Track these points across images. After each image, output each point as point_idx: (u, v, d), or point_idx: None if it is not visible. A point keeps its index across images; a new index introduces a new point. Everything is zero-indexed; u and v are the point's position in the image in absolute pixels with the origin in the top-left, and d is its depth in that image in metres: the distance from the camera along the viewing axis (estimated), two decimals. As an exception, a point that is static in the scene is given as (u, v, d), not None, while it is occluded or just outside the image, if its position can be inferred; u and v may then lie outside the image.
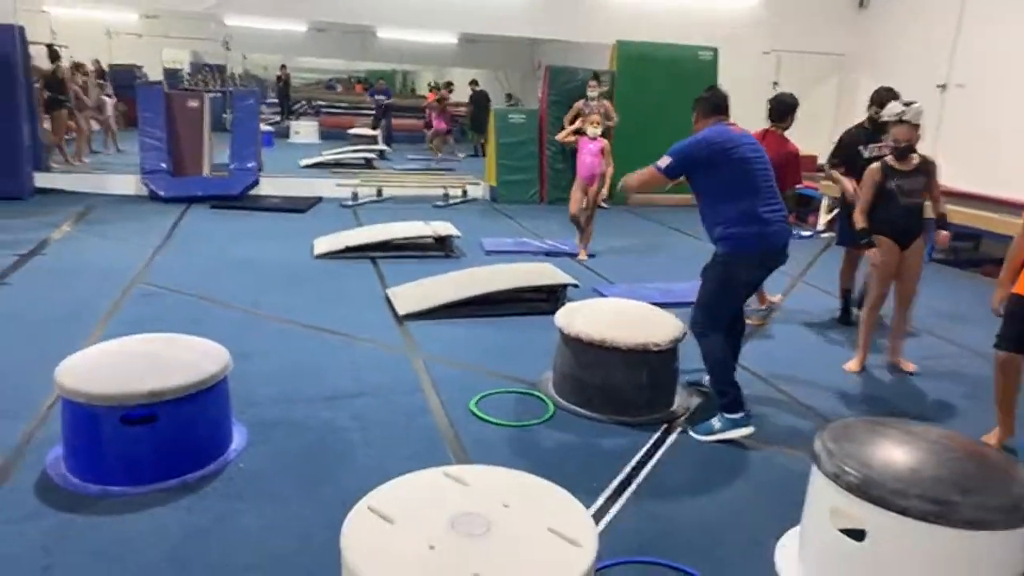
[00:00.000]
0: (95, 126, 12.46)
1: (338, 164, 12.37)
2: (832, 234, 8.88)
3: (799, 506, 2.50)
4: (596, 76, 9.62)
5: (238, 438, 3.21)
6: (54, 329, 4.42)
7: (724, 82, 9.88)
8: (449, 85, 16.72)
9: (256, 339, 4.39)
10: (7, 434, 3.15)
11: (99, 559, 2.41)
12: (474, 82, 16.87)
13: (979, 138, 8.85)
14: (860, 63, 11.31)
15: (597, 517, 2.75)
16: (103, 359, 2.97)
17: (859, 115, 11.60)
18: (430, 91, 17.30)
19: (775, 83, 11.04)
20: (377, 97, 17.31)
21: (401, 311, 4.95)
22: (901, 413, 3.86)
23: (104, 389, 2.73)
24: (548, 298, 5.18)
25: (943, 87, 9.66)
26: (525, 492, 2.06)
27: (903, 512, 2.07)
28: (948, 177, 9.38)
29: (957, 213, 8.39)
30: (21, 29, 8.49)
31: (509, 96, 17.89)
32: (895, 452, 2.23)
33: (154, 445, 2.84)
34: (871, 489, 2.14)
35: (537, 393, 3.88)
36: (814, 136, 10.52)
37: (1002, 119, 8.90)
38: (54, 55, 11.04)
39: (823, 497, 2.33)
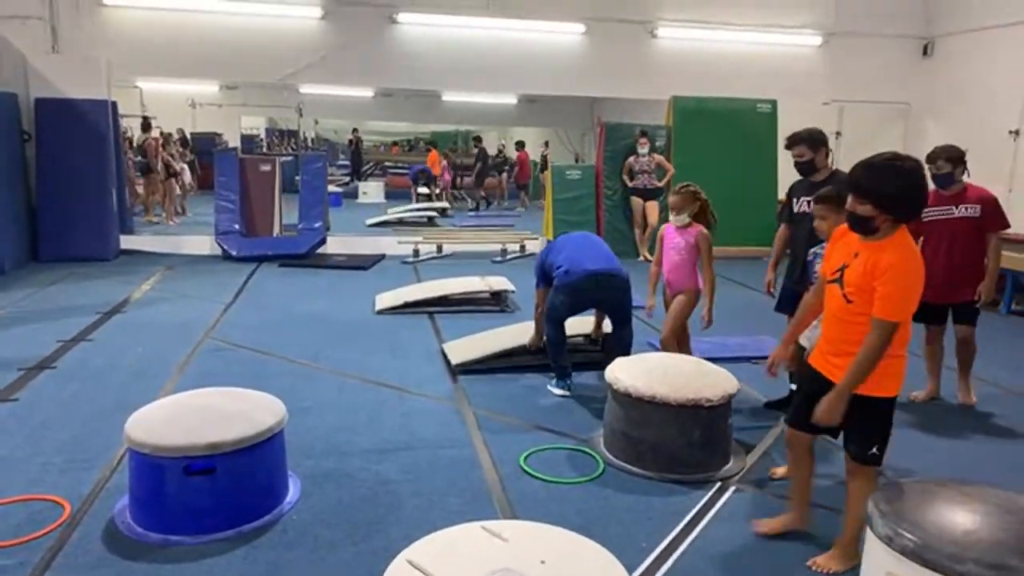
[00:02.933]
0: (177, 190, 13.28)
1: (401, 222, 12.76)
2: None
3: (855, 573, 2.41)
4: (644, 133, 9.79)
5: (293, 489, 3.30)
6: (130, 383, 4.67)
7: (784, 134, 9.86)
8: (478, 139, 18.38)
9: (314, 392, 4.54)
10: (82, 482, 3.33)
11: (156, 606, 2.51)
12: (477, 139, 17.85)
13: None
14: (926, 111, 11.09)
15: (644, 577, 2.71)
16: (169, 412, 3.13)
17: (926, 164, 11.36)
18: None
19: (838, 134, 10.93)
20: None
21: (454, 361, 5.04)
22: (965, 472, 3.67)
23: (167, 441, 2.88)
24: (602, 348, 5.19)
25: (1016, 133, 9.37)
26: (564, 549, 2.06)
27: (960, 579, 1.97)
28: (1021, 222, 9.05)
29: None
30: (114, 104, 9.21)
31: (576, 157, 18.14)
32: (951, 514, 2.13)
33: (213, 496, 2.95)
34: (926, 553, 2.04)
35: (587, 450, 3.86)
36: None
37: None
38: (146, 126, 11.91)
39: (878, 562, 2.23)
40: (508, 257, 9.84)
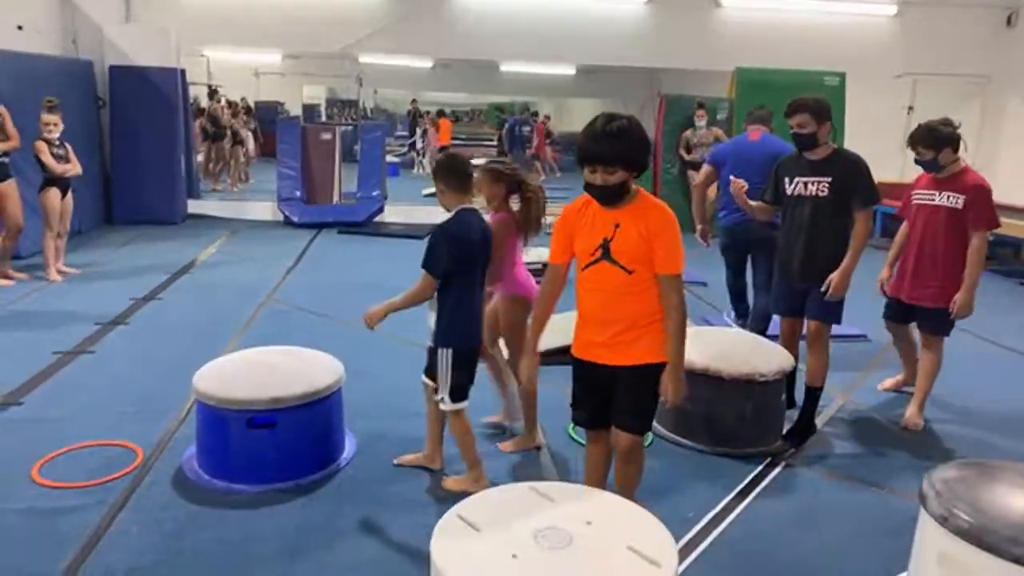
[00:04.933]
0: (242, 157, 13.66)
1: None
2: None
3: (906, 552, 2.38)
4: (702, 105, 9.57)
5: (349, 447, 3.42)
6: (197, 339, 4.87)
7: (852, 109, 9.53)
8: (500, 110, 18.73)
9: (371, 356, 4.65)
10: (152, 431, 3.52)
11: (223, 546, 2.66)
12: (500, 109, 17.81)
13: None
14: (1007, 86, 10.53)
15: (689, 548, 2.73)
16: (234, 368, 3.26)
17: (1007, 142, 10.84)
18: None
19: (910, 108, 10.49)
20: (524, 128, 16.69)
21: (507, 353, 4.79)
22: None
23: (232, 394, 3.02)
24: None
25: (1105, 109, 8.84)
26: (609, 511, 2.09)
27: (1017, 561, 1.93)
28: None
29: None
30: (183, 72, 9.48)
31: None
32: (1010, 496, 2.08)
33: (274, 448, 3.09)
34: (983, 535, 2.00)
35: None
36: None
37: None
38: (212, 93, 12.23)
39: (931, 542, 2.20)
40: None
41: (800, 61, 9.92)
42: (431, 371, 3.03)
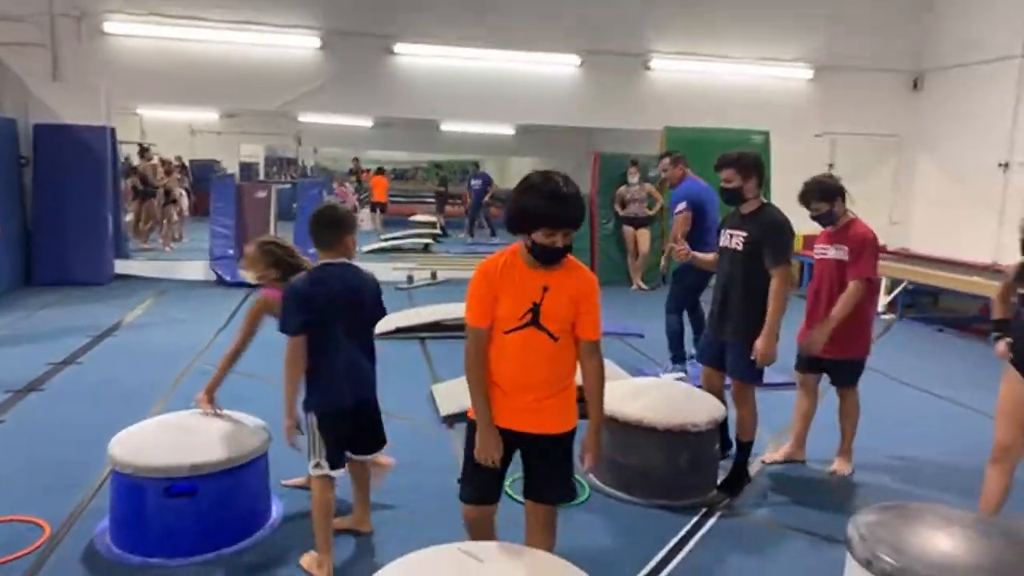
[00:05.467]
0: (175, 216, 13.35)
1: (396, 249, 12.81)
2: (893, 316, 8.65)
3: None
4: (635, 162, 9.91)
5: (276, 511, 3.28)
6: (118, 406, 4.64)
7: (777, 166, 9.97)
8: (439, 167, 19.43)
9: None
10: (64, 503, 3.31)
11: (132, 629, 2.48)
12: (438, 166, 19.68)
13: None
14: (917, 144, 11.23)
15: (626, 603, 2.68)
16: (152, 433, 3.11)
17: (920, 197, 11.47)
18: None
19: (830, 165, 11.03)
20: (473, 183, 16.52)
21: (444, 411, 4.67)
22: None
23: (149, 461, 2.87)
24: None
25: (1005, 166, 9.48)
26: (540, 571, 2.04)
27: (939, 603, 1.96)
28: (1017, 254, 9.11)
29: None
30: (113, 130, 9.30)
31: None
32: (931, 538, 2.12)
33: (194, 518, 2.93)
34: (905, 577, 2.03)
35: (579, 478, 3.83)
36: (874, 217, 10.37)
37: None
38: (144, 151, 12.01)
39: (858, 586, 2.22)
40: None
41: (727, 119, 10.39)
42: None
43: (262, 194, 10.07)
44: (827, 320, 3.74)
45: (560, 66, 10.78)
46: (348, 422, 2.86)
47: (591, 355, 2.39)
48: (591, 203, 10.35)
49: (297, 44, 10.05)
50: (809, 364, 3.99)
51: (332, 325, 2.79)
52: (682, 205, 5.40)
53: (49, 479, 3.57)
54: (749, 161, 3.64)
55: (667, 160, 5.81)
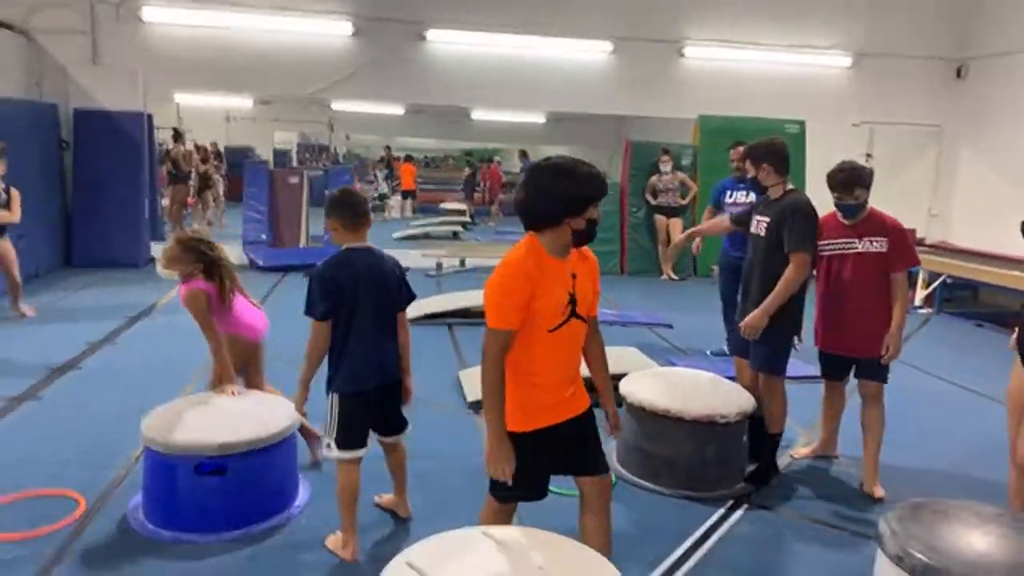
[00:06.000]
0: (211, 201, 13.58)
1: (426, 236, 12.86)
2: (930, 310, 8.46)
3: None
4: (666, 151, 9.79)
5: (303, 493, 3.32)
6: (152, 385, 4.73)
7: (812, 156, 9.77)
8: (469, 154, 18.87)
9: (331, 400, 4.57)
10: (98, 479, 3.39)
11: (162, 602, 2.53)
12: (468, 153, 19.21)
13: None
14: (959, 135, 10.91)
15: (650, 592, 2.67)
16: (184, 412, 3.16)
17: (960, 190, 11.16)
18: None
19: (868, 155, 10.79)
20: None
21: (470, 397, 4.70)
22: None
23: (180, 439, 2.92)
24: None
25: (1051, 158, 9.18)
26: (561, 556, 2.04)
27: (972, 601, 1.91)
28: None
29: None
30: (150, 116, 9.45)
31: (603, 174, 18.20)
32: (964, 536, 2.08)
33: (223, 496, 2.98)
34: (938, 574, 1.99)
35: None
36: (913, 209, 10.14)
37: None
38: (177, 136, 12.21)
39: (888, 582, 2.18)
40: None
41: (761, 109, 10.19)
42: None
43: (295, 180, 10.16)
44: (895, 324, 3.47)
45: (592, 53, 10.66)
46: (370, 405, 2.88)
47: (596, 330, 2.45)
48: (622, 191, 10.27)
49: (330, 30, 10.09)
50: (836, 366, 3.75)
51: (358, 309, 2.80)
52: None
53: (85, 455, 3.66)
54: (759, 149, 3.67)
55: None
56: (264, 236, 9.63)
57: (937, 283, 8.58)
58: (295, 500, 3.25)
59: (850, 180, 3.48)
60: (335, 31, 10.08)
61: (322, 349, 2.80)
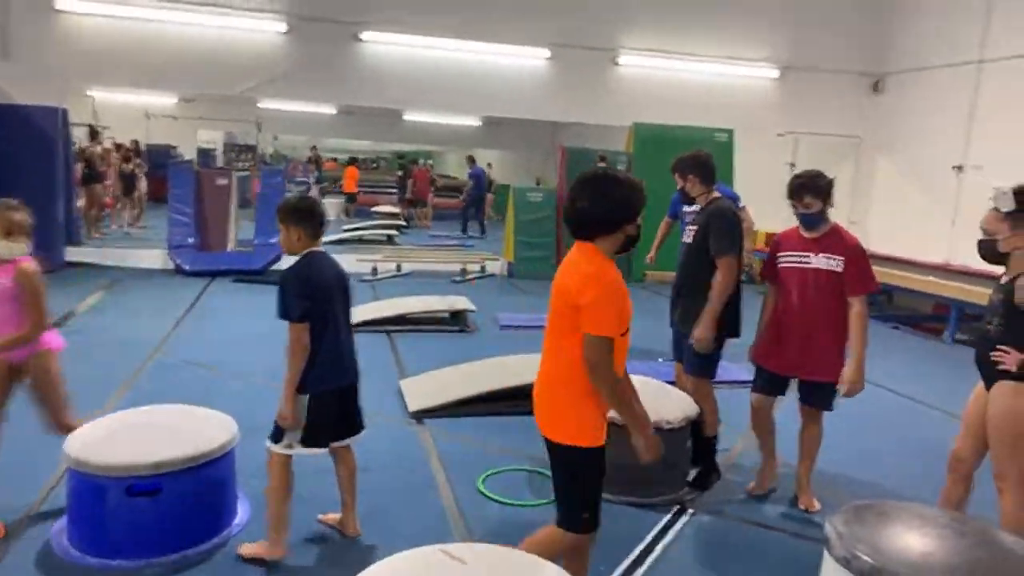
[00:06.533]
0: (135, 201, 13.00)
1: (360, 240, 12.63)
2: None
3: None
4: (603, 157, 9.94)
5: (242, 511, 3.18)
6: (73, 401, 4.45)
7: (740, 164, 10.09)
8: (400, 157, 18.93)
9: (268, 410, 4.36)
10: (16, 504, 3.16)
11: (92, 635, 2.37)
12: (401, 157, 19.07)
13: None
14: (877, 145, 11.47)
15: (603, 602, 2.67)
16: (112, 430, 2.99)
17: (877, 198, 11.72)
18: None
19: (792, 164, 11.21)
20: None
21: (412, 407, 4.58)
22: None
23: (110, 459, 2.75)
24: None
25: (960, 168, 9.75)
26: (522, 571, 2.01)
27: (917, 601, 1.98)
28: (968, 255, 9.38)
29: (975, 293, 8.37)
30: (64, 111, 8.95)
31: (538, 180, 18.24)
32: (907, 537, 2.15)
33: (158, 518, 2.82)
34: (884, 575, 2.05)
35: (546, 472, 3.80)
36: (834, 218, 10.57)
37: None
38: (93, 134, 11.62)
39: (836, 584, 2.24)
40: (469, 277, 9.80)
41: (693, 117, 10.48)
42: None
43: (223, 181, 9.80)
44: (857, 353, 3.29)
45: (529, 59, 10.73)
46: (338, 404, 2.90)
47: None
48: (558, 197, 10.35)
49: (262, 28, 9.81)
50: (770, 382, 3.56)
51: (329, 309, 2.84)
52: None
53: (2, 477, 3.40)
54: (683, 162, 3.76)
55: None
56: (191, 240, 9.25)
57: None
58: (234, 518, 3.11)
59: (802, 187, 3.33)
60: (267, 29, 9.80)
61: (305, 348, 2.77)
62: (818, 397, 3.51)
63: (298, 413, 2.77)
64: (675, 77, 11.03)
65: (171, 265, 9.10)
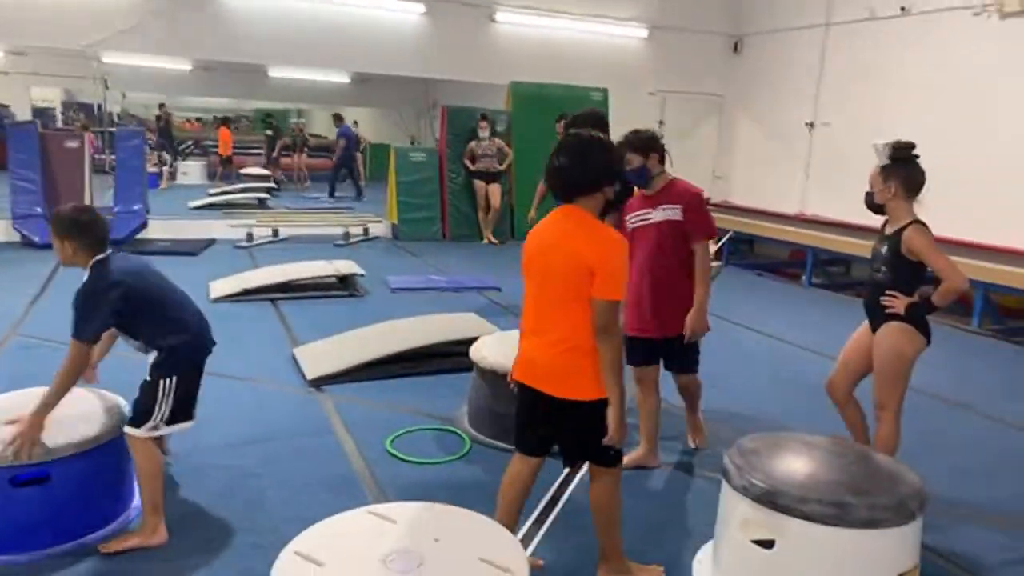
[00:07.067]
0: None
1: (230, 205, 11.99)
2: (720, 263, 9.45)
3: (713, 523, 2.63)
4: (484, 116, 9.94)
5: (137, 496, 3.03)
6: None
7: (614, 121, 10.35)
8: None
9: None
10: None
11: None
12: (268, 115, 18.86)
13: (841, 171, 9.57)
14: (737, 104, 12.14)
15: (528, 538, 2.79)
16: (-15, 417, 2.74)
17: (739, 153, 12.46)
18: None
19: (660, 122, 11.67)
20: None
21: (310, 374, 4.49)
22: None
23: (-11, 449, 2.53)
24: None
25: (811, 125, 10.52)
26: (454, 525, 2.07)
27: (805, 517, 2.22)
28: (819, 205, 10.20)
29: (827, 240, 9.15)
30: None
31: (412, 139, 17.86)
32: (796, 462, 2.39)
33: (48, 507, 2.64)
34: (777, 498, 2.28)
35: (452, 428, 3.88)
36: (699, 172, 11.17)
37: (859, 154, 9.76)
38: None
39: (734, 510, 2.46)
40: (352, 240, 9.58)
41: (569, 76, 10.63)
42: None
43: (74, 144, 8.95)
44: (699, 297, 3.34)
45: (403, 13, 10.44)
46: (199, 373, 2.85)
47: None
48: (440, 157, 10.26)
49: (105, -26, 8.93)
50: (642, 351, 3.48)
51: (163, 287, 2.82)
52: None
53: None
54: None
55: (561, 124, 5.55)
56: (39, 209, 8.43)
57: (724, 239, 9.58)
58: (132, 501, 2.96)
59: (619, 145, 3.20)
60: (112, -25, 8.94)
61: (80, 372, 2.66)
62: (682, 356, 3.51)
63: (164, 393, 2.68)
64: (551, 35, 11.11)
65: (18, 237, 8.28)
